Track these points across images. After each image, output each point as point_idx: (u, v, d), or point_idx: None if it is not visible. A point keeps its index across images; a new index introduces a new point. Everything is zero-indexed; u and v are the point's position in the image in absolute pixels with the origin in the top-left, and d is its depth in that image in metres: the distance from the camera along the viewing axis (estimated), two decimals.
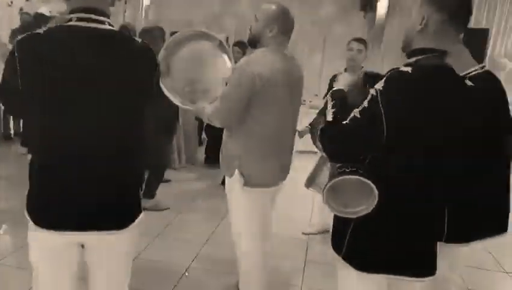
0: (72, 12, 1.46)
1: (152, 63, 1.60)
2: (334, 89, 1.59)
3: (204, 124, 6.88)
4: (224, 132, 2.36)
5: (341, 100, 1.53)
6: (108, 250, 1.57)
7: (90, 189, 1.47)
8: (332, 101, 1.52)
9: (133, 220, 1.58)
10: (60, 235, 1.48)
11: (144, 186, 4.06)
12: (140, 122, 1.59)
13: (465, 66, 1.77)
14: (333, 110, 1.47)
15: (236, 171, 2.25)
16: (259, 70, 2.09)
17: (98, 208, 1.49)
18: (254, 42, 2.26)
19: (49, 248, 1.51)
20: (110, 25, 1.48)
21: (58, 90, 1.40)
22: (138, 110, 1.56)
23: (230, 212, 2.46)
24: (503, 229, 1.97)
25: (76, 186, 1.46)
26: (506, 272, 3.42)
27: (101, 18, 1.46)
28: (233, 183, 2.28)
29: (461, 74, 1.80)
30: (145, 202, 3.99)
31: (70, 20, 1.45)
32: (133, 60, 1.51)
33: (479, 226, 1.86)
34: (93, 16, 1.44)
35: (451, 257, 1.71)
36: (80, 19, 1.44)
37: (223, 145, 2.37)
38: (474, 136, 1.48)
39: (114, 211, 1.53)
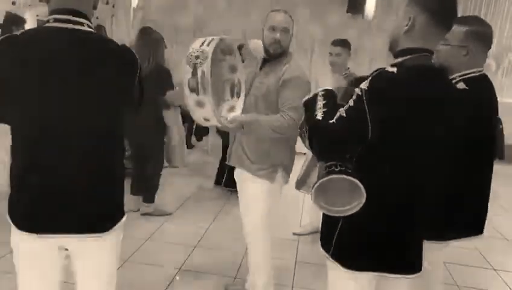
0: (51, 14, 1.44)
1: (132, 65, 1.54)
2: (325, 88, 1.59)
3: (194, 129, 6.87)
4: (262, 140, 2.33)
5: (333, 100, 1.54)
6: (91, 253, 1.56)
7: (69, 192, 1.45)
8: (324, 100, 1.53)
9: (115, 223, 1.57)
10: (41, 238, 1.47)
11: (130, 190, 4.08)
12: (119, 124, 1.57)
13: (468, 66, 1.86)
14: (324, 109, 1.48)
15: (280, 173, 2.40)
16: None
17: (78, 210, 1.47)
18: (284, 54, 2.35)
19: (31, 251, 1.50)
20: (89, 27, 1.45)
21: (34, 92, 1.38)
22: (117, 112, 1.53)
23: (254, 212, 2.47)
24: (479, 231, 2.00)
25: (55, 189, 1.44)
26: (494, 269, 3.47)
27: (79, 19, 1.43)
28: (269, 185, 2.39)
29: (458, 75, 1.86)
30: (146, 208, 4.00)
31: (48, 21, 1.43)
32: (111, 61, 1.48)
33: (456, 226, 1.90)
34: (70, 17, 1.42)
35: (432, 254, 1.75)
36: (57, 20, 1.42)
37: (262, 153, 2.36)
38: (456, 138, 1.51)
39: (94, 213, 1.51)
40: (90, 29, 1.46)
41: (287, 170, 2.43)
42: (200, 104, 1.98)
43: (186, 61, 1.96)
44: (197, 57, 1.93)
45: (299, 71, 2.30)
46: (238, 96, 2.29)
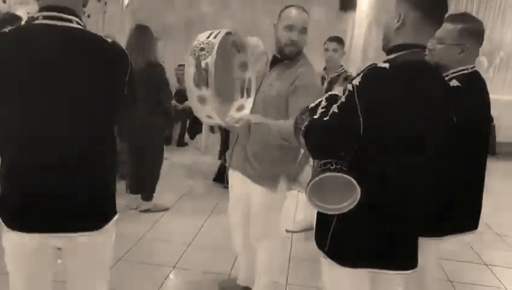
0: (40, 11, 1.42)
1: (123, 62, 1.53)
2: (330, 93, 1.59)
3: (188, 126, 6.84)
4: (267, 146, 2.18)
5: (334, 102, 1.54)
6: (83, 252, 1.55)
7: (59, 191, 1.44)
8: (325, 102, 1.53)
9: (107, 222, 1.56)
10: (32, 238, 1.45)
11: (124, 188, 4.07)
12: (110, 123, 1.56)
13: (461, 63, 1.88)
14: (322, 110, 1.48)
15: (283, 182, 2.28)
16: None
17: (69, 209, 1.46)
18: (298, 56, 2.19)
19: (22, 250, 1.49)
20: (79, 24, 1.44)
21: (22, 89, 1.37)
22: (108, 111, 1.52)
23: (268, 214, 2.39)
24: (473, 226, 2.01)
25: (45, 188, 1.43)
26: (486, 264, 3.50)
27: (69, 16, 1.42)
28: (270, 194, 2.29)
29: (451, 72, 1.87)
30: (145, 205, 3.97)
31: (37, 18, 1.42)
32: (101, 59, 1.46)
33: (451, 222, 1.91)
34: (59, 14, 1.40)
35: (426, 250, 1.75)
36: (46, 17, 1.41)
37: (266, 160, 2.24)
38: (449, 134, 1.51)
39: (86, 212, 1.50)
40: (80, 26, 1.44)
41: (290, 178, 2.29)
42: (202, 99, 1.90)
43: (191, 53, 1.88)
44: (202, 49, 1.85)
45: (313, 77, 2.16)
46: (248, 96, 2.18)
